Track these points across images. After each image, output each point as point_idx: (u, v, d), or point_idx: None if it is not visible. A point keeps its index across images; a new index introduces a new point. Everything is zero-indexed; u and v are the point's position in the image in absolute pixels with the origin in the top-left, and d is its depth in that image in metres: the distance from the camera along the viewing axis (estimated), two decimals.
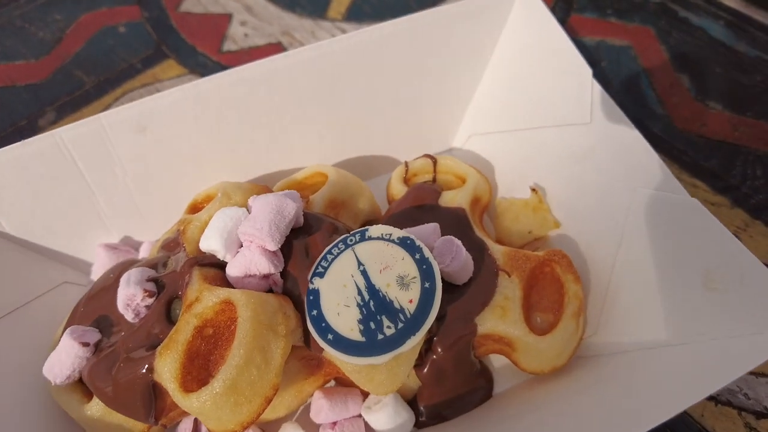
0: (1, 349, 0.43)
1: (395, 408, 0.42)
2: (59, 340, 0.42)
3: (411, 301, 0.36)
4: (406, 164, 0.52)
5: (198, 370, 0.35)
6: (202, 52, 0.76)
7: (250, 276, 0.39)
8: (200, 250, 0.41)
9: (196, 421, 0.43)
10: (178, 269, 0.40)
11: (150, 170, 0.51)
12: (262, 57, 0.50)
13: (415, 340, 0.35)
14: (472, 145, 0.58)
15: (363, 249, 0.39)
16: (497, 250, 0.45)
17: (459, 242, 0.41)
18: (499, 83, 0.55)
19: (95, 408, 0.38)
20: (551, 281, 0.45)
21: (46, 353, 0.44)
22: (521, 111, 0.53)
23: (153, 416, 0.38)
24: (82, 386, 0.40)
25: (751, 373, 0.47)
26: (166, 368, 0.34)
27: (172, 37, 0.78)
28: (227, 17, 0.81)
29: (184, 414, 0.42)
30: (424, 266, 0.37)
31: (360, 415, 0.44)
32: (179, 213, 0.52)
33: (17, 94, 0.72)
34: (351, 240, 0.40)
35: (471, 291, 0.42)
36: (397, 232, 0.39)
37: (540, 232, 0.49)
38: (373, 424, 0.43)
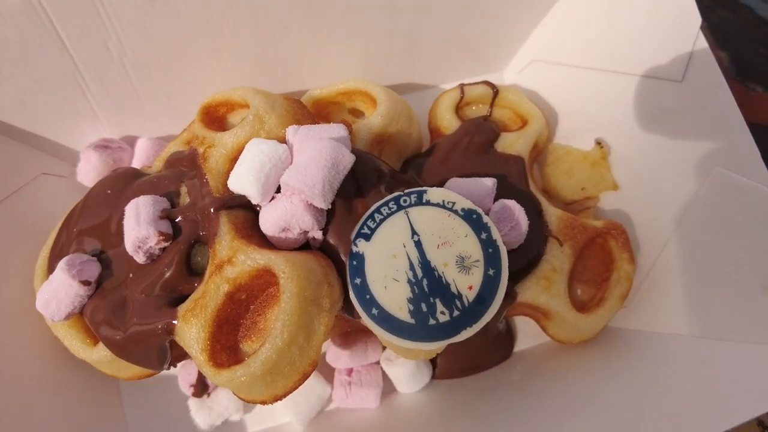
0: None
1: (417, 365, 0.41)
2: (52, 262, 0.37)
3: (470, 288, 0.32)
4: (462, 89, 0.44)
5: (226, 337, 0.31)
6: None
7: (287, 230, 0.33)
8: (226, 186, 0.34)
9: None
10: (199, 206, 0.34)
11: (154, 49, 0.41)
12: None
13: (471, 332, 0.32)
14: (531, 72, 0.50)
15: (419, 215, 0.34)
16: (552, 214, 0.41)
17: (521, 211, 0.37)
18: (583, 6, 0.46)
19: (102, 353, 0.34)
20: (601, 253, 0.42)
21: (27, 257, 0.39)
22: (602, 47, 0.44)
23: (166, 366, 0.34)
24: (83, 324, 0.36)
25: None
26: (193, 337, 0.30)
27: None
28: None
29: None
30: (490, 249, 0.33)
31: (378, 362, 0.42)
32: (185, 107, 0.44)
33: None
34: (405, 201, 0.34)
35: (515, 256, 0.39)
36: (461, 202, 0.34)
37: (594, 191, 0.44)
38: (391, 376, 0.42)
